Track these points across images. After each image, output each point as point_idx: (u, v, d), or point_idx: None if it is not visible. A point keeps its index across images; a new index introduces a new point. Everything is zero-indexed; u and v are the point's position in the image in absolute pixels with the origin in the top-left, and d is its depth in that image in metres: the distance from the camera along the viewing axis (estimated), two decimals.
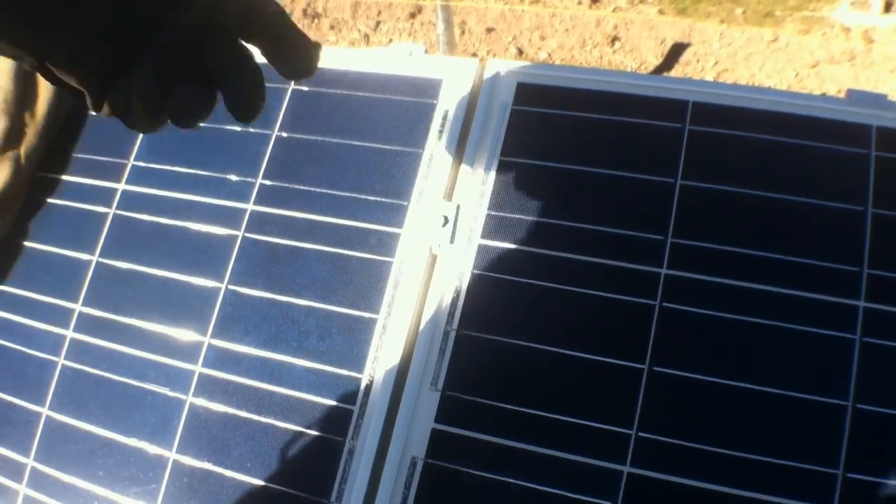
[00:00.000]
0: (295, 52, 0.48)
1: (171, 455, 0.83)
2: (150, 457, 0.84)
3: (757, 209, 0.77)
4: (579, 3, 5.18)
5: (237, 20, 0.46)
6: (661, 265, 0.77)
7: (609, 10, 4.91)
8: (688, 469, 0.70)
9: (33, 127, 1.03)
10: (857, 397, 0.69)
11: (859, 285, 0.73)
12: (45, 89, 1.05)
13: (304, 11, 5.30)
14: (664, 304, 0.75)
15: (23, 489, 0.87)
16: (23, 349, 0.93)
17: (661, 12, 4.81)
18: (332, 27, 4.01)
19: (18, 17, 0.41)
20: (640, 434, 0.72)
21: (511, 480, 0.74)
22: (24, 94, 1.04)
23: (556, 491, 0.72)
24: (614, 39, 4.18)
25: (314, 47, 0.49)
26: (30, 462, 0.88)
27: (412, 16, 5.16)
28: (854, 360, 0.70)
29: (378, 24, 4.09)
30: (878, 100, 0.80)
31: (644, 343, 0.74)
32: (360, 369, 0.81)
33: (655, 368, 0.73)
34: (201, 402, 0.85)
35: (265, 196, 0.92)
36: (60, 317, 0.93)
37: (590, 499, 0.71)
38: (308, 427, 0.80)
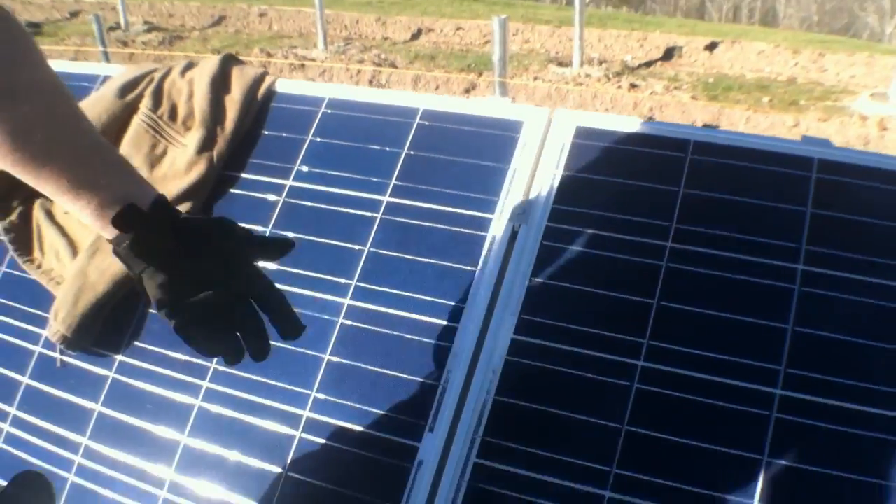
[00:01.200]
0: (288, 323, 0.83)
1: (325, 356, 1.23)
2: (309, 357, 1.24)
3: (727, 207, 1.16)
4: (619, 87, 5.67)
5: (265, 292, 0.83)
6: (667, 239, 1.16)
7: (646, 94, 5.37)
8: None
9: (223, 137, 1.45)
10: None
11: (799, 255, 1.11)
12: (231, 110, 1.47)
13: (370, 82, 5.80)
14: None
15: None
16: None
17: (693, 98, 5.25)
18: None
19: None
20: None
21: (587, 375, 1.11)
22: (216, 112, 1.47)
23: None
24: (650, 119, 4.62)
25: (298, 325, 0.83)
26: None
27: (467, 91, 5.67)
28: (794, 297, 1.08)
29: None
30: (823, 142, 1.19)
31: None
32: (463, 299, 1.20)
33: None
34: (349, 322, 1.24)
35: (397, 192, 1.32)
36: None
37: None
38: (420, 336, 1.19)
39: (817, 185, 1.16)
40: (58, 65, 1.78)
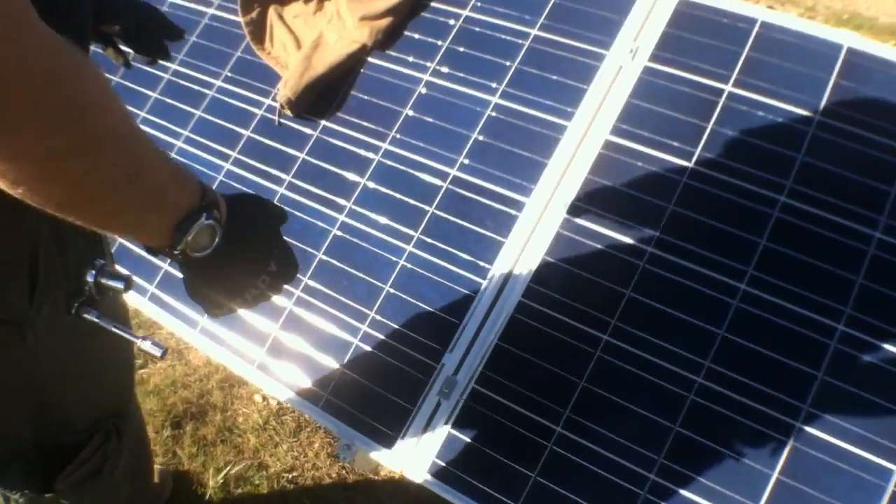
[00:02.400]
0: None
1: (386, 287, 1.74)
2: (375, 286, 1.75)
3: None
4: (757, 1, 5.87)
5: None
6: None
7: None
8: None
9: None
10: None
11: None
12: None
13: None
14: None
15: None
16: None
17: None
18: None
19: None
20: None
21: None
22: None
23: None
24: None
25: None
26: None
27: None
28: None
29: None
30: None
31: None
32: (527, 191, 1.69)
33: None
34: (409, 266, 1.75)
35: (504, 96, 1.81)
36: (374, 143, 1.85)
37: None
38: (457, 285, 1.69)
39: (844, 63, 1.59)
40: None
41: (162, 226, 0.82)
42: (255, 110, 1.99)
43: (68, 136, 0.64)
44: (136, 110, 2.13)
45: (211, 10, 2.19)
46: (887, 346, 1.39)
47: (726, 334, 1.46)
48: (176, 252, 0.84)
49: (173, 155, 2.02)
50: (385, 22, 1.90)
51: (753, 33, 1.67)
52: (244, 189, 1.91)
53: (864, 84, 1.58)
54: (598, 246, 1.58)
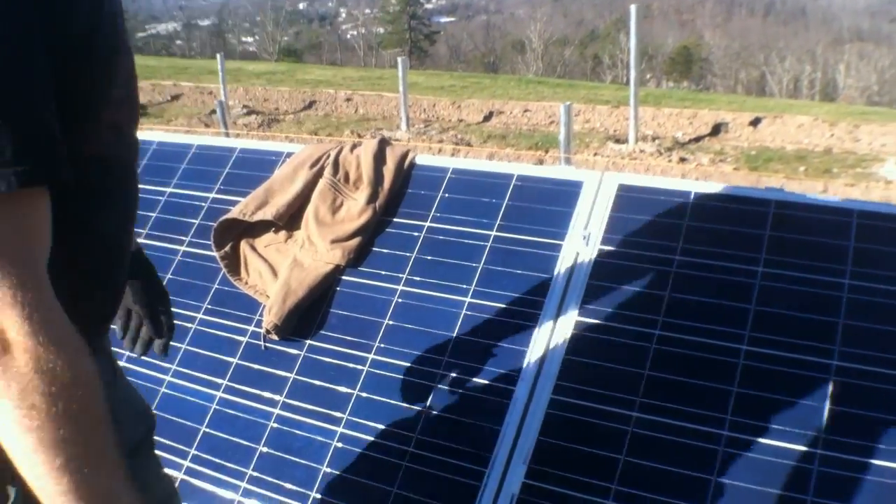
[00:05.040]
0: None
1: (453, 335, 1.87)
2: (441, 336, 1.88)
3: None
4: (669, 160, 6.32)
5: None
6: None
7: (692, 166, 6.01)
8: None
9: (383, 193, 2.13)
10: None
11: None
12: (388, 175, 2.15)
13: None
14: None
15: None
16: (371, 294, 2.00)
17: (736, 169, 5.87)
18: None
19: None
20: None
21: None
22: (378, 177, 2.15)
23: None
24: None
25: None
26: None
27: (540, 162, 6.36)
28: None
29: None
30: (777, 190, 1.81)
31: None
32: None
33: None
34: (469, 312, 1.89)
35: (500, 228, 1.98)
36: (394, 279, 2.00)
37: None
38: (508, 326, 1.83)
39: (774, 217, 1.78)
40: (246, 143, 2.51)
41: None
42: (240, 338, 2.10)
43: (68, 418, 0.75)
44: (119, 350, 2.21)
45: (183, 248, 2.33)
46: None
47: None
48: None
49: (164, 390, 2.10)
50: (354, 242, 2.06)
51: (690, 205, 1.87)
52: (238, 415, 1.99)
53: (797, 231, 1.77)
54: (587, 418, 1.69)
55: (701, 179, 5.38)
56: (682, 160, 6.30)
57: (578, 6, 71.42)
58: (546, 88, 11.77)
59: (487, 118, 8.80)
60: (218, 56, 10.59)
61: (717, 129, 7.28)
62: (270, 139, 7.97)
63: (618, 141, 7.25)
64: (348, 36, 61.40)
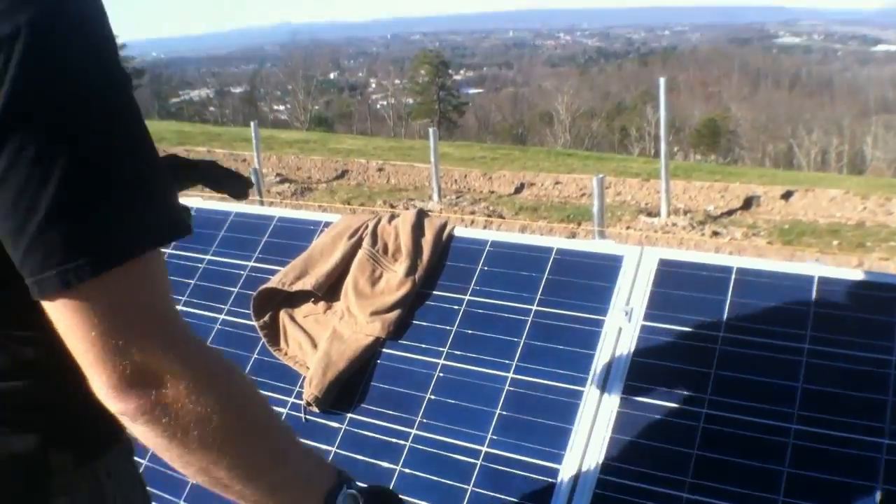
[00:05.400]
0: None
1: (496, 411, 1.85)
2: (484, 412, 1.86)
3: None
4: (702, 234, 6.31)
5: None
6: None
7: (726, 240, 6.00)
8: None
9: (421, 266, 2.14)
10: None
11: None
12: (427, 248, 2.16)
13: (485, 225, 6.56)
14: None
15: None
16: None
17: (769, 243, 5.84)
18: None
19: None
20: None
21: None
22: (417, 249, 2.16)
23: None
24: None
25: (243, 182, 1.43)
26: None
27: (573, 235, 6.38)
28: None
29: None
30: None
31: None
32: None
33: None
34: (512, 388, 1.87)
35: (541, 303, 1.98)
36: (434, 354, 2.00)
37: None
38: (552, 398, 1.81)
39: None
40: (284, 212, 2.55)
41: (311, 502, 0.91)
42: (280, 409, 2.09)
43: (226, 428, 0.81)
44: None
45: (222, 316, 2.35)
46: None
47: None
48: None
49: None
50: (394, 315, 2.07)
51: (731, 280, 1.86)
52: None
53: (842, 306, 1.75)
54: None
55: (735, 254, 5.36)
56: (715, 234, 6.29)
57: (604, 79, 72.48)
58: (576, 161, 11.89)
59: (519, 190, 8.86)
60: (252, 124, 10.76)
61: (748, 203, 7.29)
62: (304, 208, 8.09)
63: (649, 214, 7.26)
64: (378, 106, 62.43)
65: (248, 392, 0.87)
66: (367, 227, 2.27)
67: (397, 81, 62.57)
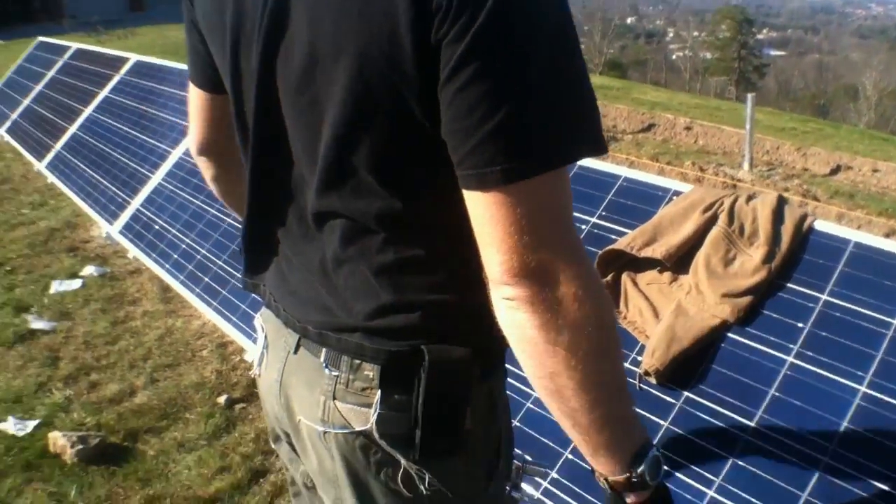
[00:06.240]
0: None
1: (843, 423, 1.78)
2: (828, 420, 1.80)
3: None
4: None
5: None
6: None
7: None
8: None
9: (780, 255, 2.07)
10: None
11: None
12: (786, 237, 2.09)
13: None
14: None
15: None
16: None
17: None
18: None
19: None
20: None
21: None
22: (776, 236, 2.10)
23: None
24: None
25: None
26: None
27: (886, 236, 5.88)
28: None
29: None
30: None
31: None
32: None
33: None
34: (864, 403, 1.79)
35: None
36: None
37: None
38: None
39: None
40: (630, 172, 2.56)
41: (624, 450, 0.92)
42: None
43: (593, 342, 0.84)
44: None
45: None
46: None
47: None
48: (633, 479, 0.92)
49: None
50: (746, 300, 2.03)
51: None
52: None
53: None
54: None
55: None
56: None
57: None
58: (892, 147, 10.80)
59: (835, 171, 8.22)
60: None
61: None
62: (610, 160, 8.08)
63: None
64: (674, 56, 60.21)
65: (613, 321, 0.89)
66: (722, 204, 2.23)
67: (696, 34, 59.81)
